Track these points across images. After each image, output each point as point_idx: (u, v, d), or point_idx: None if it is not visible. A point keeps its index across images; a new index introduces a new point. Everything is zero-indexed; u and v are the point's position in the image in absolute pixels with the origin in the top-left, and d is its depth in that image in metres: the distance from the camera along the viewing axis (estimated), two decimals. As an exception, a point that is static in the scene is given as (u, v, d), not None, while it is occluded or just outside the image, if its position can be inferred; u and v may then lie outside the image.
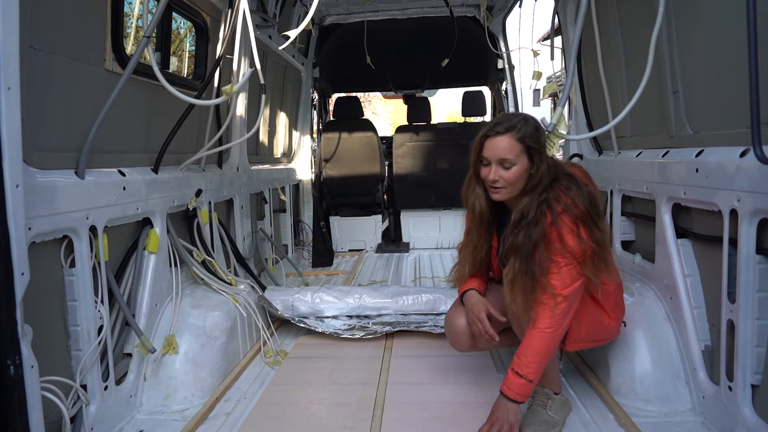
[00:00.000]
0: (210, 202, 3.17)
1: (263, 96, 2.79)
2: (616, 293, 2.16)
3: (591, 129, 3.36)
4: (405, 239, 5.94)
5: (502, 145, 1.92)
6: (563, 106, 2.05)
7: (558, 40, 3.45)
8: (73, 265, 1.99)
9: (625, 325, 2.32)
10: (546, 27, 3.83)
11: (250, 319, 3.00)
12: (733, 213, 1.90)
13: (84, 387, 2.00)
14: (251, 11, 2.63)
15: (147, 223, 2.51)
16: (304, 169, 5.79)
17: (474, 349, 2.36)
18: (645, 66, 2.26)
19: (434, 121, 6.12)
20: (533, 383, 1.96)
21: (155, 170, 2.62)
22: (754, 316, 1.85)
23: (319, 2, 2.54)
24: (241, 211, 3.72)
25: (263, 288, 3.42)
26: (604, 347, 2.38)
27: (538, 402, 2.15)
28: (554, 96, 21.86)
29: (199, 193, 2.97)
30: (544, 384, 2.17)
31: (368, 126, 5.76)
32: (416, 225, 5.90)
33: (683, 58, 2.36)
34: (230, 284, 2.98)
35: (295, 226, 5.46)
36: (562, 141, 1.93)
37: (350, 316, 3.31)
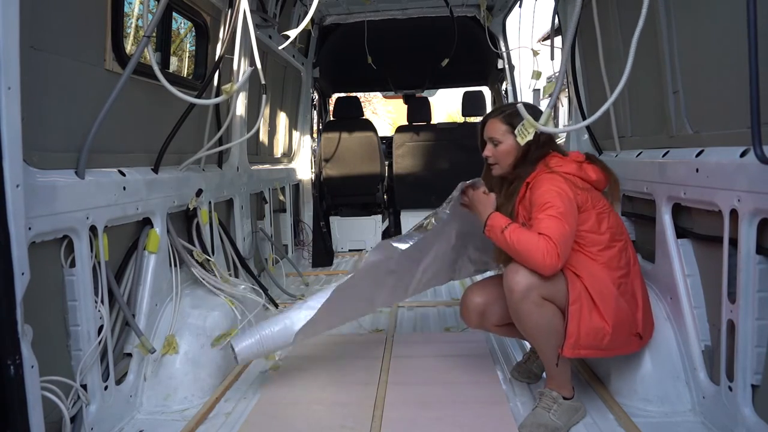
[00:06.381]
0: (210, 202, 3.17)
1: (263, 96, 2.79)
2: (616, 297, 2.08)
3: (590, 131, 3.36)
4: None
5: (491, 126, 2.28)
6: (551, 107, 2.11)
7: (558, 40, 3.45)
8: (73, 265, 1.99)
9: (640, 338, 2.17)
10: (546, 27, 3.83)
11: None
12: (733, 213, 1.90)
13: (84, 387, 2.00)
14: (251, 11, 2.63)
15: (147, 223, 2.51)
16: (304, 169, 5.79)
17: (480, 327, 2.46)
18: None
19: (434, 121, 6.12)
20: (499, 229, 2.09)
21: (155, 170, 2.62)
22: (754, 316, 1.85)
23: (319, 2, 2.54)
24: (241, 211, 3.72)
25: (264, 289, 3.41)
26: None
27: (542, 405, 2.13)
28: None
29: (199, 193, 2.97)
30: (552, 387, 2.16)
31: (368, 126, 5.76)
32: None
33: (683, 58, 2.36)
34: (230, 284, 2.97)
35: (295, 226, 5.46)
36: (533, 130, 2.02)
37: None
